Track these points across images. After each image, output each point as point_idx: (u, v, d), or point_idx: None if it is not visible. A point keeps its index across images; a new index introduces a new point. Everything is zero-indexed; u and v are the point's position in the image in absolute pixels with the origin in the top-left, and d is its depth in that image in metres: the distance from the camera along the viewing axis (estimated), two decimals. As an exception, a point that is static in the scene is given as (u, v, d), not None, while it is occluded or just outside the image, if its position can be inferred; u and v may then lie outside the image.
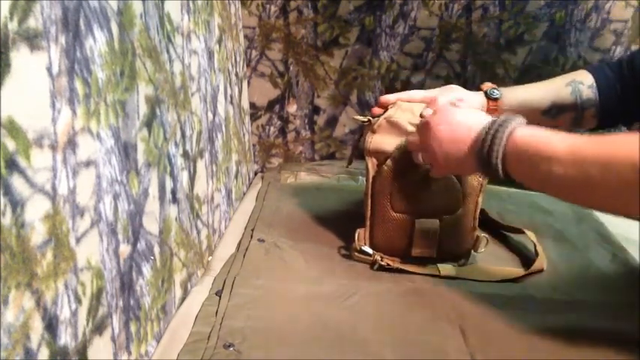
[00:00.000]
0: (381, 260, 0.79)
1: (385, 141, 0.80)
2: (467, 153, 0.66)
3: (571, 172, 0.55)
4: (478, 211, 0.80)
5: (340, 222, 0.92)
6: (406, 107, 0.81)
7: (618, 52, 1.07)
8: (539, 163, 0.58)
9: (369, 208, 0.81)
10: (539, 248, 0.83)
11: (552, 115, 0.84)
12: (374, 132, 0.80)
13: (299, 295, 0.72)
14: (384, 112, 0.81)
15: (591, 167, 0.53)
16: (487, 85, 0.85)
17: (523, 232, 0.87)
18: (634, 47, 1.06)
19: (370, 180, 0.80)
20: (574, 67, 1.09)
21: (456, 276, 0.77)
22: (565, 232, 0.94)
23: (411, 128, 0.78)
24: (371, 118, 0.82)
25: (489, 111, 0.84)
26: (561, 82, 0.84)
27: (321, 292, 0.73)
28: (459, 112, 0.70)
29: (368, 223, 0.81)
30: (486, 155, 0.62)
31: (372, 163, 0.80)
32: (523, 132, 0.61)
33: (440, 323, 0.66)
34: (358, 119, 0.84)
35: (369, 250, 0.81)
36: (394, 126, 0.79)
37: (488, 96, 0.84)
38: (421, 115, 0.79)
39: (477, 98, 0.84)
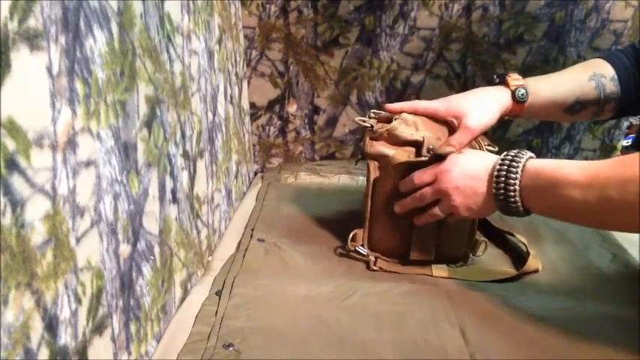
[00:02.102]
0: (374, 264, 0.79)
1: (385, 149, 0.78)
2: (485, 193, 0.67)
3: (590, 196, 0.56)
4: None
5: (340, 222, 0.92)
6: (411, 121, 0.78)
7: (618, 52, 1.07)
8: (558, 192, 0.59)
9: (369, 209, 0.81)
10: (532, 250, 0.83)
11: (574, 112, 0.83)
12: (374, 140, 0.79)
13: (299, 295, 0.72)
14: (390, 119, 0.79)
15: (610, 190, 0.54)
16: (514, 81, 0.79)
17: (513, 235, 0.88)
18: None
19: (371, 182, 0.79)
20: (574, 67, 1.09)
21: (447, 277, 0.77)
22: (565, 232, 0.94)
23: (412, 137, 0.77)
24: (373, 124, 0.79)
25: (512, 111, 0.79)
26: (584, 75, 0.81)
27: (320, 292, 0.73)
28: (469, 157, 0.71)
29: (367, 224, 0.81)
30: (504, 195, 0.63)
31: (373, 165, 0.79)
32: (535, 164, 0.62)
33: (440, 323, 0.66)
34: (360, 122, 0.81)
35: (364, 251, 0.81)
36: (395, 139, 0.78)
37: (516, 99, 0.78)
38: (428, 150, 0.75)
39: (494, 102, 0.78)
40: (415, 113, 0.79)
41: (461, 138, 0.74)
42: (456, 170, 0.69)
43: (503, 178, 0.64)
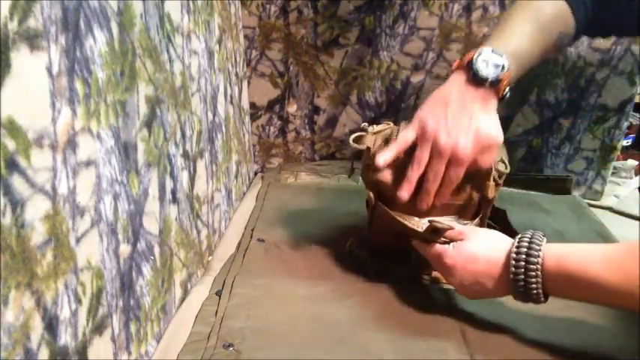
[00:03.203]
0: (372, 267, 0.78)
1: (385, 174, 0.73)
2: (497, 282, 0.61)
3: (624, 296, 0.54)
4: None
5: (340, 222, 0.92)
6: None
7: (618, 51, 1.07)
8: (587, 292, 0.57)
9: (370, 218, 0.78)
10: None
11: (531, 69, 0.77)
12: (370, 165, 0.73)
13: (299, 295, 0.72)
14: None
15: None
16: (504, 85, 0.68)
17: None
18: (634, 47, 1.06)
19: (371, 206, 0.75)
20: (574, 67, 1.09)
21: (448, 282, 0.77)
22: (565, 232, 0.94)
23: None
24: (370, 146, 0.74)
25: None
26: (551, 38, 0.75)
27: (320, 292, 0.73)
28: (477, 245, 0.63)
29: (368, 229, 0.80)
30: (524, 282, 0.59)
31: (370, 196, 0.75)
32: (555, 252, 0.58)
33: (440, 323, 0.66)
34: (356, 147, 0.74)
35: (363, 254, 0.80)
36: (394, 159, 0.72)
37: (500, 100, 0.70)
38: (432, 230, 0.66)
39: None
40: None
41: (492, 158, 0.70)
42: (460, 270, 0.63)
43: (522, 269, 0.58)
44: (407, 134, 0.70)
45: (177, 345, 0.62)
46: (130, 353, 0.56)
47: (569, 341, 0.63)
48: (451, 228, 0.65)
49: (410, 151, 0.71)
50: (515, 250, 0.59)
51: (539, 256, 0.58)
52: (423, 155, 0.69)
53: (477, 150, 0.67)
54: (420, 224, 0.70)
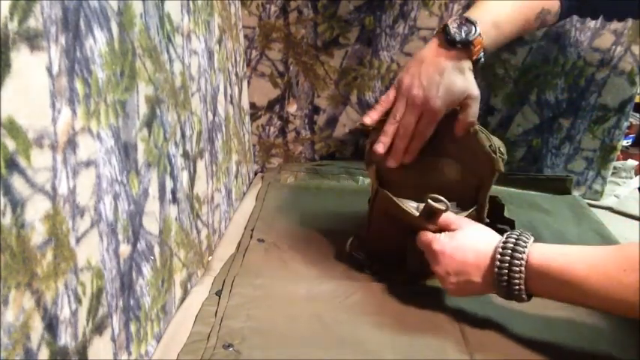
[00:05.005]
0: (370, 268, 0.78)
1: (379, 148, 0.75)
2: (483, 281, 0.62)
3: (604, 299, 0.54)
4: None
5: (340, 222, 0.92)
6: None
7: (618, 51, 1.07)
8: (568, 292, 0.57)
9: (369, 219, 0.79)
10: None
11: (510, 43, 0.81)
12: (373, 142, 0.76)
13: (299, 295, 0.72)
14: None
15: (629, 295, 0.52)
16: (476, 48, 0.71)
17: None
18: (634, 47, 1.06)
19: (374, 190, 0.77)
20: (574, 67, 1.09)
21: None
22: (565, 232, 0.94)
23: None
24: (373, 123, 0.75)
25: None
26: (533, 13, 0.78)
27: (320, 292, 0.73)
28: (467, 238, 0.64)
29: (367, 230, 0.80)
30: (507, 281, 0.60)
31: (372, 172, 0.77)
32: (540, 254, 0.58)
33: (440, 323, 0.66)
34: (360, 127, 0.77)
35: (361, 257, 0.80)
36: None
37: (474, 63, 0.73)
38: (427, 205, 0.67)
39: (469, 74, 0.73)
40: None
41: (474, 110, 0.73)
42: (448, 257, 0.64)
43: (507, 263, 0.59)
44: (388, 93, 0.76)
45: (177, 345, 0.62)
46: (130, 353, 0.56)
47: (569, 341, 0.63)
48: (446, 209, 0.66)
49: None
50: (502, 245, 0.60)
51: (524, 252, 0.59)
52: (398, 109, 0.74)
53: (449, 102, 0.71)
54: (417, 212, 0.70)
